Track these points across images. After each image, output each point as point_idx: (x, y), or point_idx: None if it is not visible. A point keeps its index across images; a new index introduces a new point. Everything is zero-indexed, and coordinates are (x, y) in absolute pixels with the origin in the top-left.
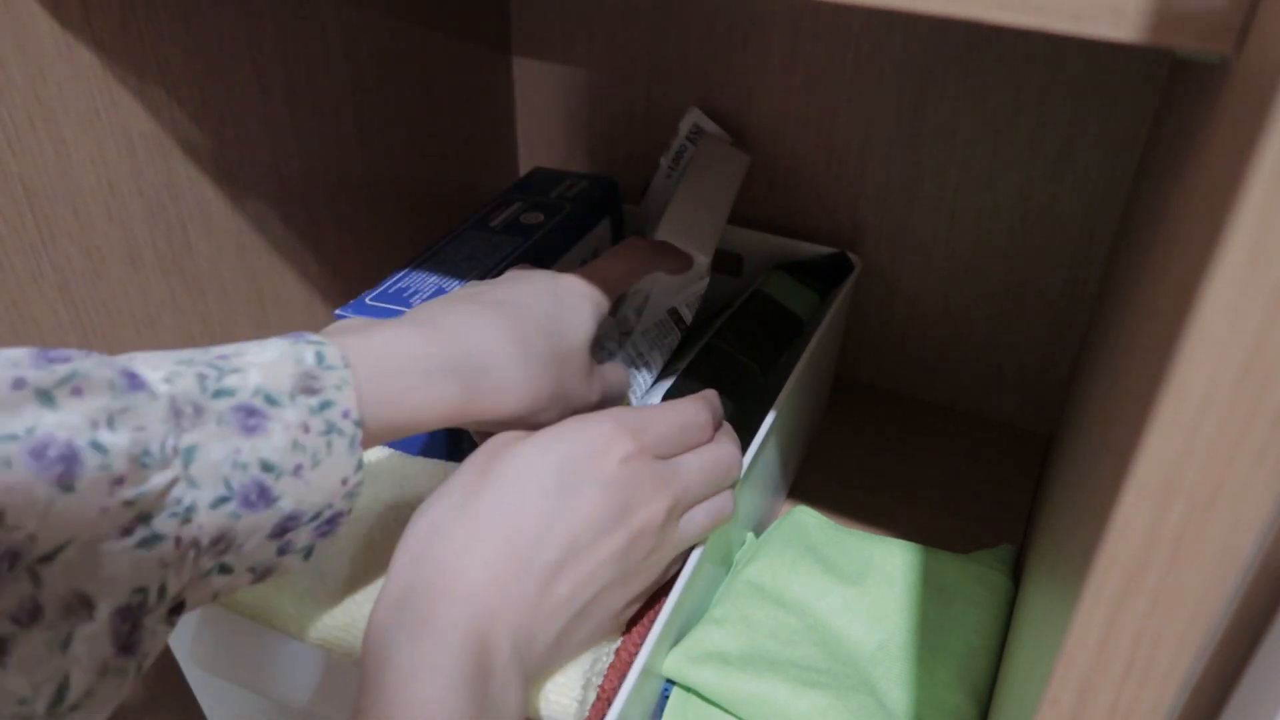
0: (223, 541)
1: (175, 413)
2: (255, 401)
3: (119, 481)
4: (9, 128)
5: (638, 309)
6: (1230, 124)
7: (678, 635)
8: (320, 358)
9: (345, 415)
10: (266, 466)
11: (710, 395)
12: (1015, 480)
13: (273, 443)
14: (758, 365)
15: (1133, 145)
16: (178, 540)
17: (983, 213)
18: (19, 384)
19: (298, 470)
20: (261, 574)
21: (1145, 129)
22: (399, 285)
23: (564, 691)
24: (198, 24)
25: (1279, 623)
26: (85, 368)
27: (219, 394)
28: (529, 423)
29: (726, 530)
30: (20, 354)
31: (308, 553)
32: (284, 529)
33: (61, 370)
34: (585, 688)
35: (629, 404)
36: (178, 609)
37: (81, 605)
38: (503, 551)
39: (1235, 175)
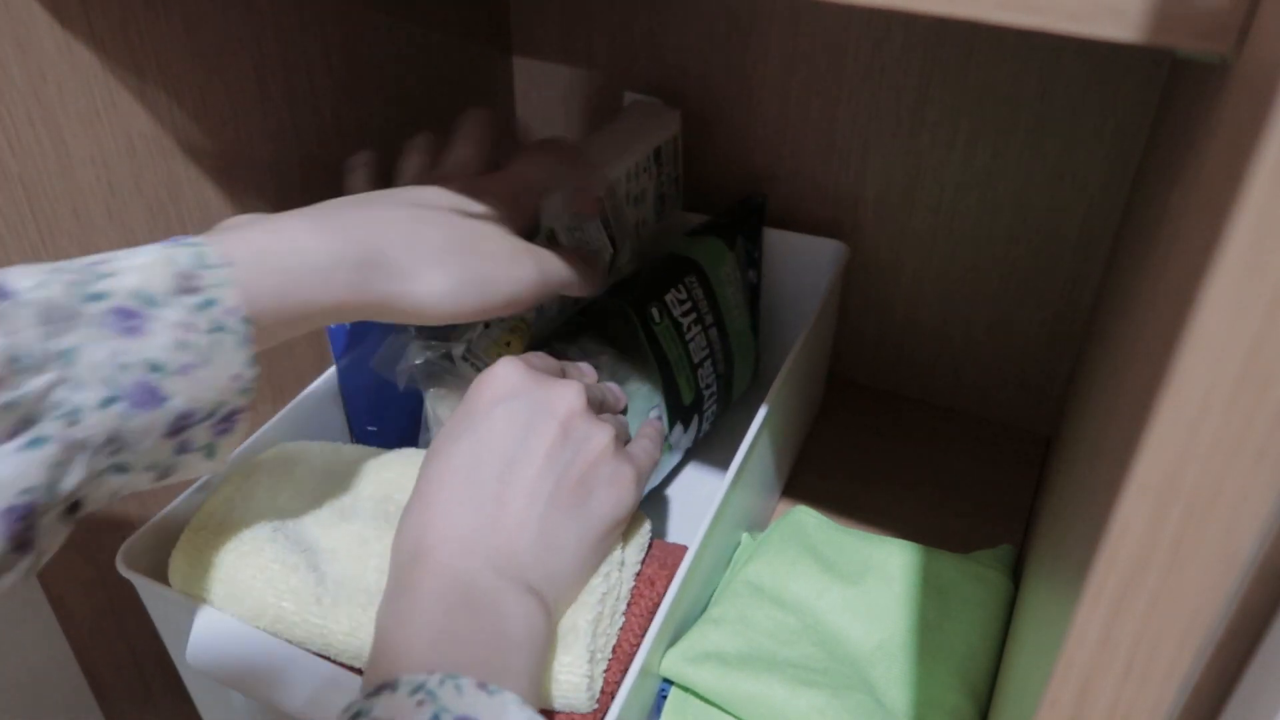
0: (115, 442)
1: (46, 318)
2: (132, 304)
3: None
4: (9, 128)
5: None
6: (1230, 124)
7: (676, 632)
8: (200, 257)
9: (230, 313)
10: (153, 367)
11: (611, 385)
12: (1015, 480)
13: (156, 342)
14: (630, 306)
15: (1133, 145)
16: (65, 442)
17: (983, 213)
18: None
19: (185, 369)
20: (163, 472)
21: (1145, 129)
22: None
23: (572, 670)
24: (198, 24)
25: (1279, 623)
26: None
27: (92, 298)
28: (442, 311)
29: (722, 531)
30: None
31: (209, 450)
32: (179, 427)
33: None
34: (591, 663)
35: (583, 290)
36: (74, 508)
37: None
38: (453, 496)
39: (1235, 175)
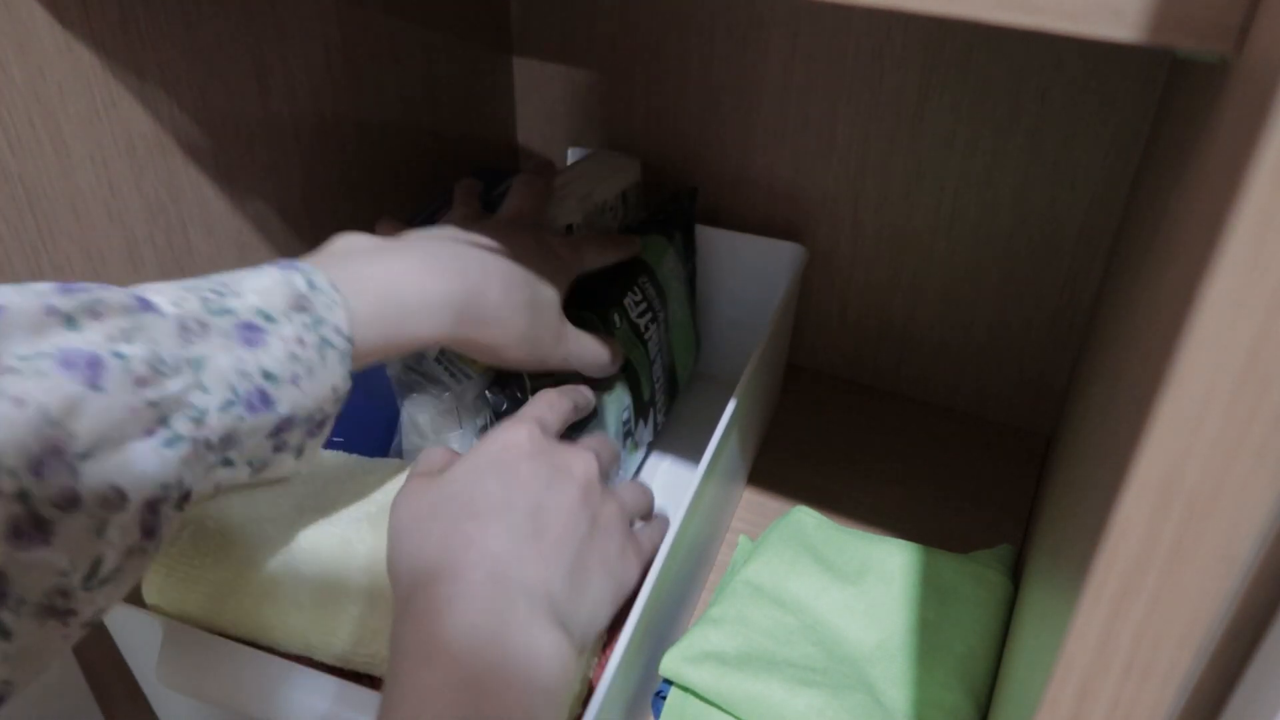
0: (229, 441)
1: (183, 329)
2: (255, 319)
3: (142, 383)
4: (9, 128)
5: None
6: (1230, 124)
7: (655, 622)
8: (311, 284)
9: (337, 331)
10: (267, 375)
11: (581, 388)
12: (1015, 480)
13: (272, 354)
14: (595, 314)
15: (1133, 145)
16: (193, 440)
17: (983, 213)
18: (50, 311)
19: (294, 379)
20: (259, 468)
21: (1145, 129)
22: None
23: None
24: (198, 24)
25: (1279, 623)
26: (102, 295)
27: (221, 313)
28: (502, 355)
29: (694, 526)
30: (45, 286)
31: (299, 451)
32: (280, 430)
33: (82, 297)
34: (580, 655)
35: (599, 372)
36: (186, 498)
37: (117, 497)
38: (485, 524)
39: (1235, 175)
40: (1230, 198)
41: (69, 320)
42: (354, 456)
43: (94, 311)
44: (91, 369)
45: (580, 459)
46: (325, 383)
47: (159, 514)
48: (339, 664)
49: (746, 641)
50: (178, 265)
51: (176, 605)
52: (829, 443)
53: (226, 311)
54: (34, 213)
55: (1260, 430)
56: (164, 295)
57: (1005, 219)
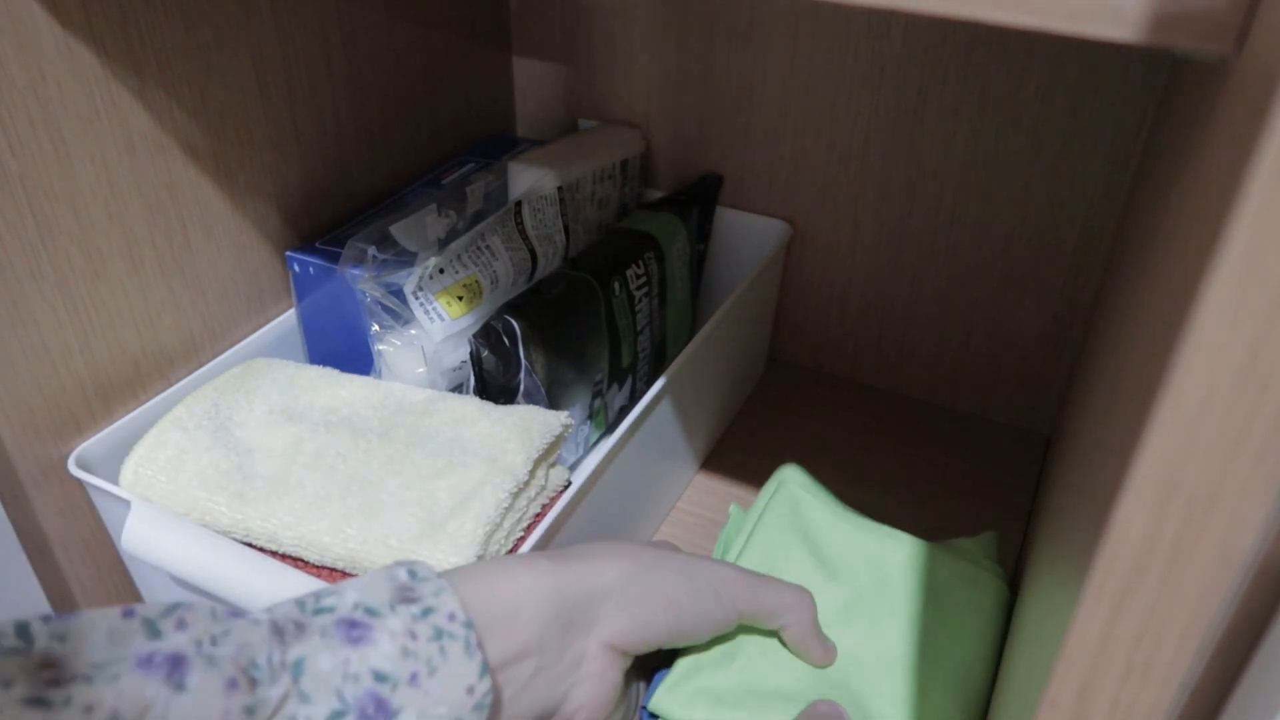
0: None
1: (278, 631)
2: (356, 614)
3: (232, 684)
4: (9, 128)
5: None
6: (1230, 124)
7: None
8: (412, 574)
9: (451, 618)
10: (379, 677)
11: None
12: (1015, 480)
13: (381, 651)
14: (594, 278)
15: (1133, 145)
16: None
17: (983, 212)
18: (129, 614)
19: (414, 679)
20: None
21: (1145, 129)
22: (347, 230)
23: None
24: (198, 24)
25: (1279, 623)
26: (187, 604)
27: (319, 612)
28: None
29: (611, 478)
30: (115, 610)
31: None
32: None
33: (166, 606)
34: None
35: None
36: None
37: None
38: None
39: (1235, 175)
40: (1230, 198)
41: (150, 626)
42: (339, 372)
43: (179, 619)
44: (170, 665)
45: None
46: (455, 682)
47: None
48: (269, 547)
49: (738, 671)
50: (178, 265)
51: (143, 494)
52: (828, 442)
53: (325, 610)
54: (34, 213)
55: (1260, 430)
56: (256, 606)
57: (1005, 219)
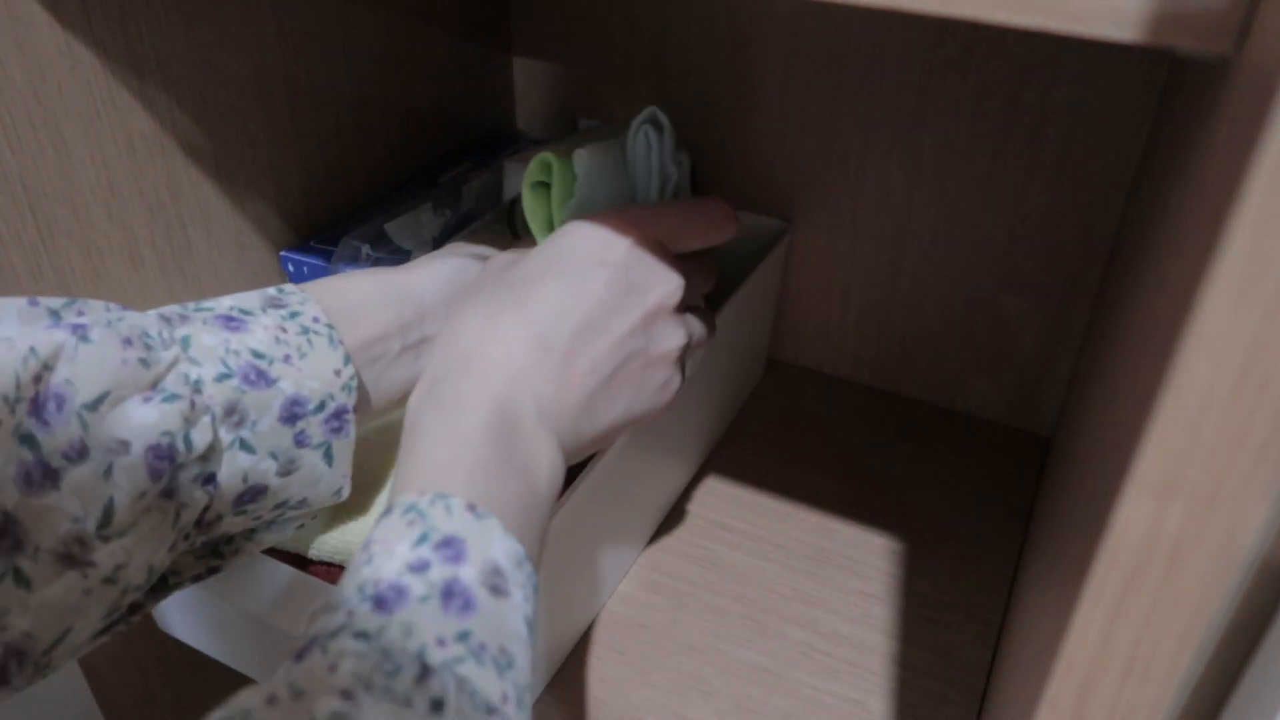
0: (235, 413)
1: (164, 318)
2: (232, 313)
3: (127, 342)
4: (9, 128)
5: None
6: (1230, 124)
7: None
8: (280, 290)
9: (315, 320)
10: (257, 354)
11: (721, 201)
12: (1015, 480)
13: (257, 336)
14: None
15: (1133, 145)
16: (192, 402)
17: (982, 213)
18: (33, 302)
19: (287, 359)
20: (285, 464)
21: (1145, 129)
22: (343, 230)
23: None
24: (198, 24)
25: (1279, 623)
26: (84, 300)
27: (199, 310)
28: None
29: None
30: (22, 299)
31: (327, 451)
32: (292, 414)
33: (66, 299)
34: None
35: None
36: (210, 479)
37: (120, 445)
38: (522, 332)
39: (1235, 175)
40: (1230, 198)
41: (53, 314)
42: None
43: (78, 310)
44: (78, 329)
45: (663, 281)
46: (323, 365)
47: (174, 477)
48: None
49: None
50: (178, 265)
51: None
52: (828, 442)
53: (203, 309)
54: (34, 213)
55: (1260, 430)
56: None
57: (1005, 219)
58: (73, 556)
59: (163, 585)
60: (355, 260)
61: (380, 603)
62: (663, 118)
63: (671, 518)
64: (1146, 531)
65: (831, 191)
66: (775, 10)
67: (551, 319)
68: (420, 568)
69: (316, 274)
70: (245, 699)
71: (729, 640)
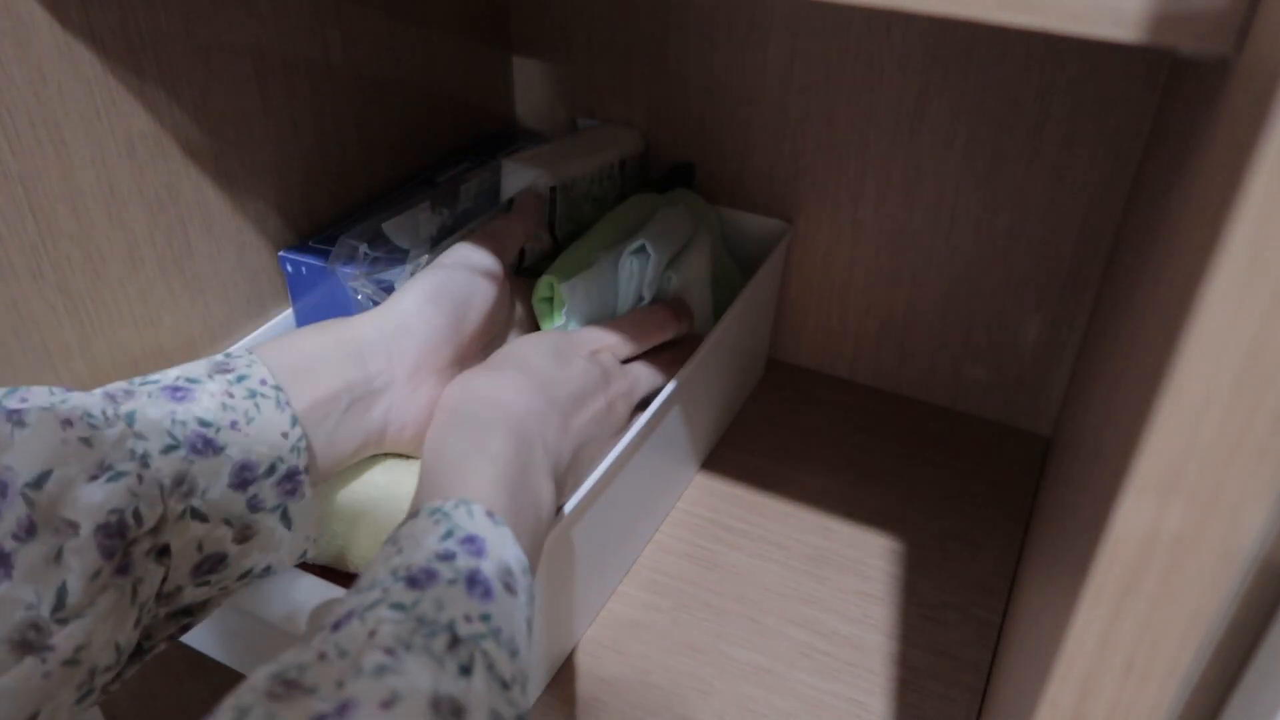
0: (185, 484)
1: (109, 396)
2: (178, 382)
3: (67, 423)
4: (9, 128)
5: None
6: (1230, 124)
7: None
8: (227, 354)
9: (263, 383)
10: (204, 422)
11: (663, 307)
12: (1015, 480)
13: (203, 405)
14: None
15: (1133, 145)
16: (140, 477)
17: (983, 212)
18: None
19: (234, 424)
20: (240, 530)
21: (1145, 129)
22: (341, 229)
23: None
24: (198, 24)
25: (1279, 623)
26: (28, 387)
27: (145, 383)
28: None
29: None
30: None
31: (282, 513)
32: (243, 479)
33: (10, 388)
34: None
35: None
36: (165, 551)
37: (67, 526)
38: (530, 388)
39: (1235, 175)
40: (1230, 197)
41: None
42: None
43: (21, 397)
44: (15, 415)
45: (621, 381)
46: (270, 429)
47: (128, 553)
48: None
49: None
50: (178, 265)
51: None
52: (828, 442)
53: (148, 382)
54: (34, 213)
55: (1260, 430)
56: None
57: (1005, 219)
58: (29, 642)
59: (138, 652)
60: (353, 259)
61: (413, 582)
62: (650, 250)
63: (671, 518)
64: (1146, 531)
65: (831, 191)
66: (775, 10)
67: (552, 384)
68: (447, 557)
69: (315, 273)
70: (295, 656)
71: (729, 640)
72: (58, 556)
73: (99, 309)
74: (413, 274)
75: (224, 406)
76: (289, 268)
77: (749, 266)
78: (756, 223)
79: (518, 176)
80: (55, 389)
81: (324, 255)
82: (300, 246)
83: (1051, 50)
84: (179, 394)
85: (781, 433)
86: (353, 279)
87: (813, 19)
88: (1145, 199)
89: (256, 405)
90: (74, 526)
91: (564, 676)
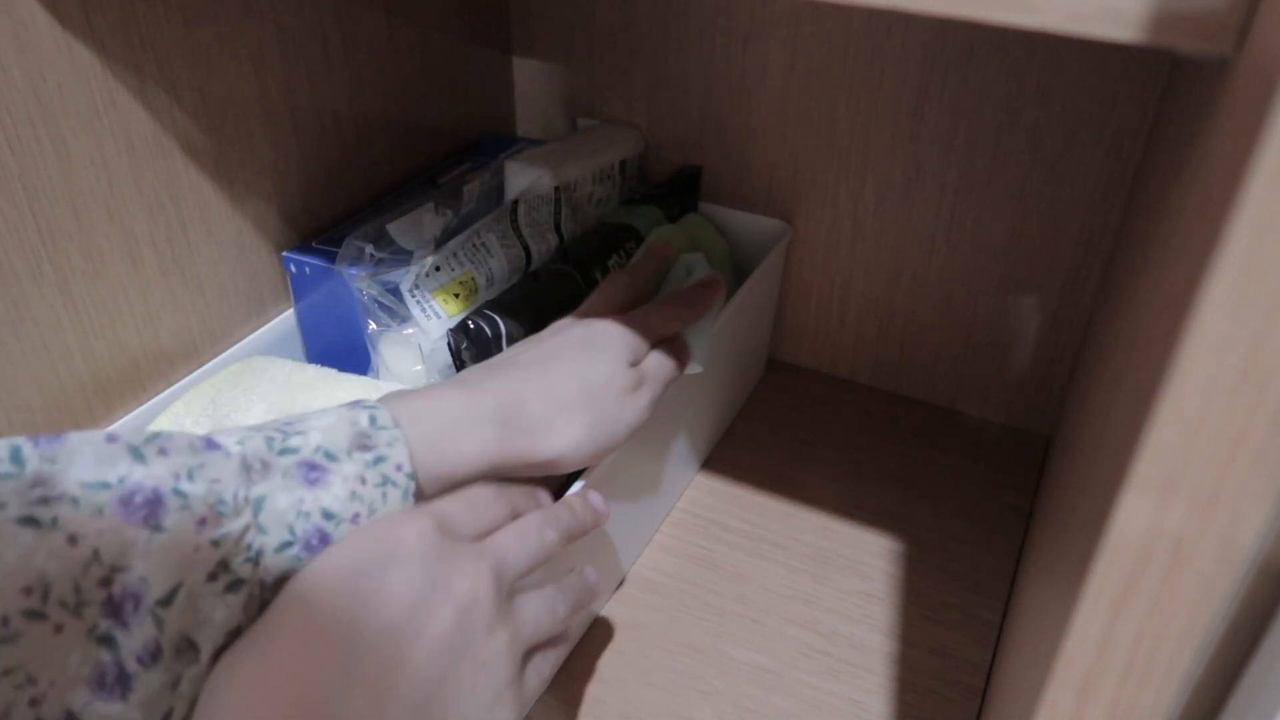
0: (283, 584)
1: (246, 468)
2: (317, 458)
3: (201, 523)
4: (9, 128)
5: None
6: (1230, 124)
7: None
8: (373, 420)
9: (398, 469)
10: (327, 515)
11: (537, 492)
12: (1015, 480)
13: (333, 493)
14: (576, 270)
15: (1133, 145)
16: (249, 583)
17: (983, 212)
18: (111, 439)
19: (355, 518)
20: None
21: (1145, 129)
22: (344, 230)
23: None
24: (198, 23)
25: (1279, 623)
26: (167, 434)
27: (284, 452)
28: (575, 460)
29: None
30: (99, 435)
31: None
32: None
33: (149, 433)
34: None
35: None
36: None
37: (189, 648)
38: (306, 654)
39: (1235, 175)
40: (1230, 197)
41: (135, 452)
42: (335, 371)
43: (160, 447)
44: (149, 507)
45: (470, 570)
46: None
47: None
48: None
49: None
50: (178, 265)
51: None
52: (828, 442)
53: (290, 450)
54: (34, 213)
55: (1260, 430)
56: (230, 436)
57: (1005, 219)
58: None
59: None
60: (359, 261)
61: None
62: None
63: (671, 518)
64: (1146, 531)
65: (831, 191)
66: (775, 10)
67: (337, 639)
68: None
69: (318, 274)
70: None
71: (729, 640)
72: (175, 684)
73: (99, 309)
74: (416, 275)
75: (353, 495)
76: (292, 268)
77: (749, 266)
78: (756, 223)
79: (521, 177)
80: (195, 441)
81: (326, 256)
82: (303, 247)
83: (1052, 50)
84: (313, 475)
85: (781, 433)
86: (358, 279)
87: (813, 19)
88: (1145, 199)
89: (384, 496)
90: (195, 650)
91: (564, 676)
